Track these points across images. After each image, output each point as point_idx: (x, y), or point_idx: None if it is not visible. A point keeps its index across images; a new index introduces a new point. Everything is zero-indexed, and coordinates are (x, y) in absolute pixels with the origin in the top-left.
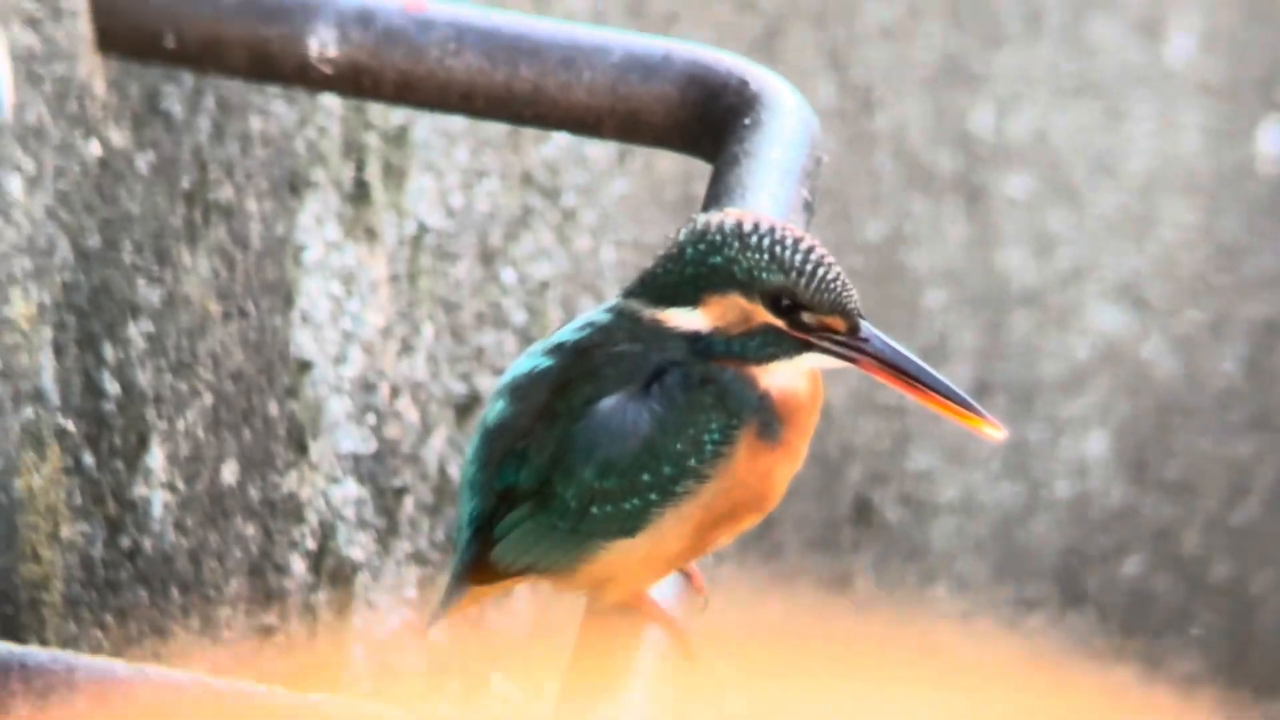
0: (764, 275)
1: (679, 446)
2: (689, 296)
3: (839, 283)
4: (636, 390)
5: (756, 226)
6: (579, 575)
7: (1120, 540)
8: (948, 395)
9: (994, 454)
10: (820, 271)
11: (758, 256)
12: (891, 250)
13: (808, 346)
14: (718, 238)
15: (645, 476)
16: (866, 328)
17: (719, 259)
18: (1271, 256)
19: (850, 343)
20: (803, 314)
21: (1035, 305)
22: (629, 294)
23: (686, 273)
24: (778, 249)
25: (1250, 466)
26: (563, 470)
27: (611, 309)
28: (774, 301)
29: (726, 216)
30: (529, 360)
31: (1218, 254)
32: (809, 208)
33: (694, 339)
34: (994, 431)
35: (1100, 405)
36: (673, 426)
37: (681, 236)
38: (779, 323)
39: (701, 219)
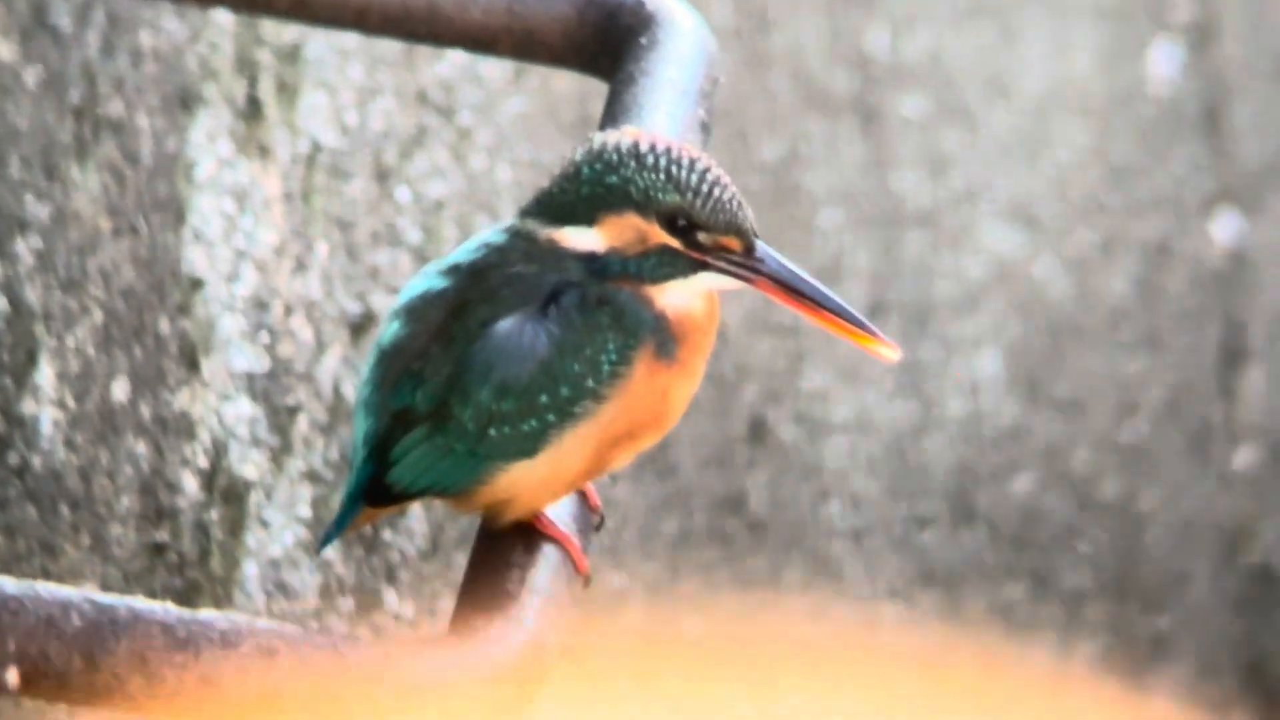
0: (660, 195)
1: (576, 368)
2: (585, 216)
3: (734, 203)
4: (533, 311)
5: (653, 146)
6: (477, 496)
7: (1011, 458)
8: (843, 315)
9: (887, 373)
10: (716, 191)
11: (654, 176)
12: (787, 171)
13: (703, 266)
14: (614, 157)
15: (543, 398)
16: (762, 248)
17: (615, 178)
18: (1162, 177)
19: (746, 263)
20: (698, 234)
21: (929, 225)
22: (525, 214)
23: (583, 192)
24: (674, 169)
25: (1139, 385)
26: (459, 392)
27: (507, 229)
28: (670, 221)
29: (623, 136)
30: (424, 281)
31: (1109, 175)
32: (705, 128)
33: (590, 259)
34: (889, 352)
35: (993, 325)
36: (570, 347)
37: (578, 156)
38: (674, 243)
39: (598, 138)
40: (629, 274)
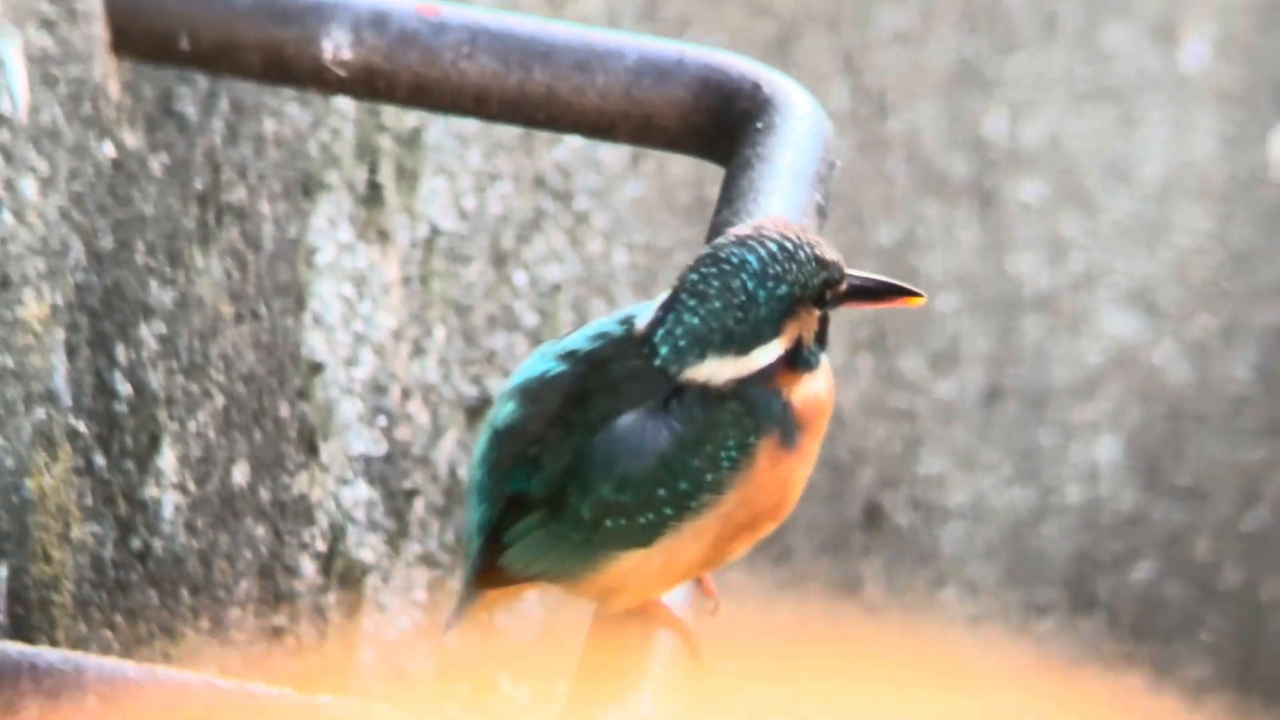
0: (814, 281)
1: (695, 463)
2: (769, 334)
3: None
4: (655, 405)
5: (793, 241)
6: (590, 583)
7: (1131, 545)
8: (895, 292)
9: (1005, 458)
10: (833, 251)
11: (809, 267)
12: (904, 254)
13: (829, 320)
14: (778, 269)
15: (661, 491)
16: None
17: (785, 289)
18: None
19: (844, 294)
20: (828, 293)
21: (1047, 310)
22: (688, 359)
23: (762, 314)
24: (814, 250)
25: (1261, 473)
26: (578, 482)
27: (625, 323)
28: (819, 298)
29: (759, 237)
30: (541, 363)
31: (1230, 260)
32: (822, 212)
33: (778, 362)
34: (916, 300)
35: (1112, 411)
36: (690, 442)
37: (740, 284)
38: (823, 311)
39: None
40: (810, 363)
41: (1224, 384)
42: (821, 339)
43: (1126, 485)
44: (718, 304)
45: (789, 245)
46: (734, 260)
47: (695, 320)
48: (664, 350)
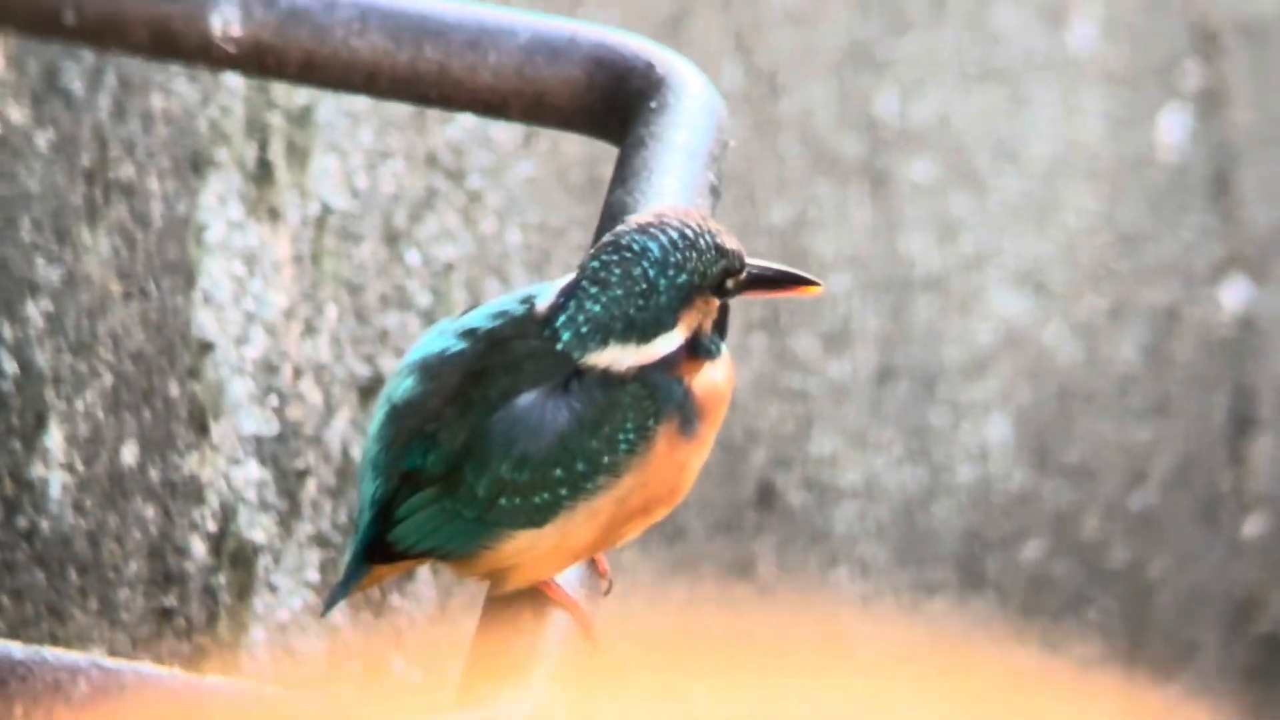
0: (713, 269)
1: (594, 444)
2: (669, 322)
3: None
4: (556, 386)
5: (690, 226)
6: (481, 561)
7: (1020, 524)
8: (793, 281)
9: (896, 438)
10: (734, 240)
11: (709, 255)
12: (796, 234)
13: (728, 310)
14: (678, 257)
15: (558, 472)
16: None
17: (685, 277)
18: (1171, 244)
19: (743, 283)
20: (728, 282)
21: (938, 290)
22: (596, 343)
23: (663, 302)
24: (715, 238)
25: (1149, 452)
26: (475, 460)
27: (525, 302)
28: (719, 287)
29: (660, 224)
30: (440, 339)
31: (1118, 240)
32: (715, 192)
33: (680, 350)
34: (814, 289)
35: (1001, 390)
36: (589, 424)
37: (641, 272)
38: (721, 301)
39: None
40: (710, 351)
41: (1112, 364)
42: (721, 328)
43: (1016, 464)
44: (619, 292)
45: (690, 233)
46: (635, 248)
47: (597, 308)
48: (566, 335)
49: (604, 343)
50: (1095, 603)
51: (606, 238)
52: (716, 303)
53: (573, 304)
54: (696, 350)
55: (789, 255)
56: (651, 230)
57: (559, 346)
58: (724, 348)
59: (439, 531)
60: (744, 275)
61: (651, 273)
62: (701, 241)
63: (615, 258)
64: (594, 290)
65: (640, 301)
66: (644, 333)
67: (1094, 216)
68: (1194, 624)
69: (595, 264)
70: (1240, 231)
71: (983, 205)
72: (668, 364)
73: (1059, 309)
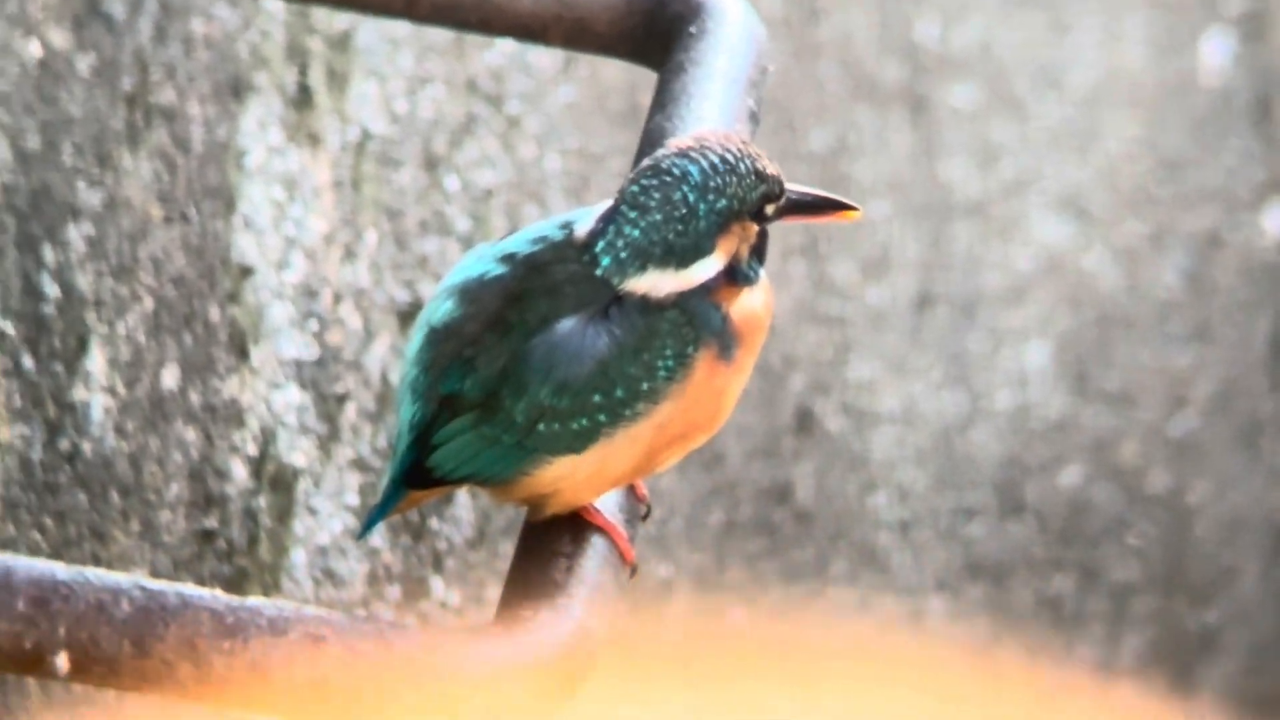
0: (752, 195)
1: (633, 370)
2: (708, 247)
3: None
4: (596, 312)
5: (731, 151)
6: (519, 487)
7: (1059, 450)
8: (832, 206)
9: (935, 364)
10: (774, 165)
11: (748, 180)
12: (835, 161)
13: (767, 236)
14: (718, 181)
15: (597, 397)
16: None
17: (724, 202)
18: (1213, 169)
19: (781, 207)
20: (767, 208)
21: (978, 216)
22: (635, 269)
23: (701, 227)
24: (755, 163)
25: (1189, 378)
26: (513, 385)
27: (564, 228)
28: (758, 213)
29: (702, 148)
30: (479, 264)
31: (1160, 166)
32: (754, 118)
33: (719, 275)
34: (853, 214)
35: (1041, 316)
36: (629, 350)
37: (681, 196)
38: (759, 225)
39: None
40: (749, 278)
41: (1152, 289)
42: (760, 253)
43: (1055, 390)
44: (658, 216)
45: (730, 158)
46: (675, 172)
47: (636, 232)
48: (605, 261)
49: (643, 268)
50: (1134, 528)
51: (646, 162)
52: (755, 228)
53: (612, 229)
54: (735, 276)
55: (828, 182)
56: (692, 154)
57: (598, 272)
58: (762, 274)
59: (477, 457)
60: (783, 200)
61: (691, 197)
62: (741, 166)
63: (655, 182)
64: (633, 215)
65: (679, 226)
66: (683, 258)
67: (1135, 142)
68: (1233, 550)
69: (635, 188)
70: None
71: (1023, 131)
72: (706, 290)
73: (1099, 235)
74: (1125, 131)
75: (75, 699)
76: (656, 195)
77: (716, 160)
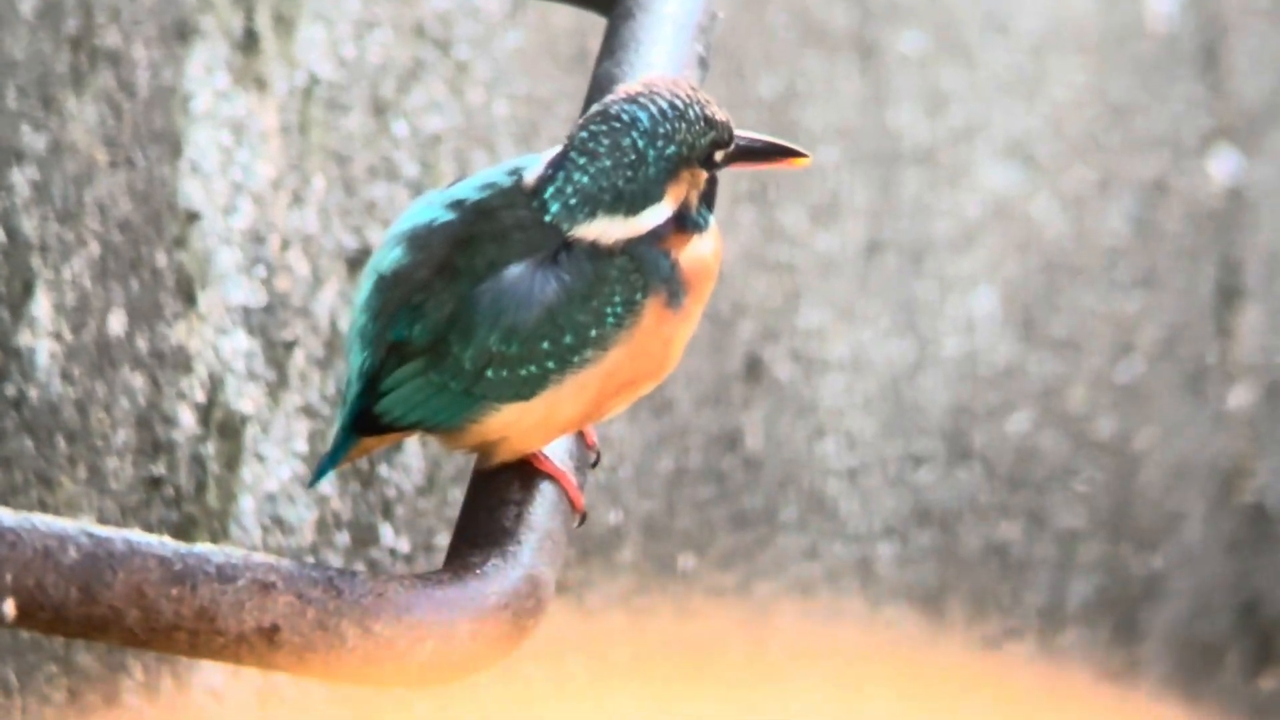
0: (702, 141)
1: (581, 317)
2: (657, 193)
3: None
4: (545, 258)
5: (680, 97)
6: (468, 434)
7: (1007, 397)
8: (781, 153)
9: (883, 311)
10: (724, 112)
11: (697, 126)
12: (785, 107)
13: (716, 182)
14: (667, 127)
15: (545, 344)
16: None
17: (673, 148)
18: (1159, 115)
19: (730, 153)
20: (716, 154)
21: (926, 163)
22: (585, 215)
23: (651, 174)
24: (705, 110)
25: (1136, 324)
26: (460, 331)
27: (513, 174)
28: (706, 158)
29: (651, 93)
30: (428, 210)
31: (1107, 113)
32: (704, 64)
33: (668, 222)
34: (802, 161)
35: (989, 263)
36: (578, 296)
37: (630, 142)
38: (709, 172)
39: (620, 108)
40: (703, 223)
41: (1099, 236)
42: (709, 200)
43: (1002, 337)
44: (607, 162)
45: (679, 104)
46: (624, 118)
47: (585, 179)
48: (554, 207)
49: (592, 214)
50: (1081, 474)
51: (595, 108)
52: (704, 175)
53: (561, 175)
54: (684, 223)
55: (777, 128)
56: (641, 100)
57: (547, 218)
58: (712, 220)
59: (426, 404)
60: (732, 147)
61: (640, 143)
62: (691, 112)
63: (604, 128)
64: (582, 161)
65: (629, 173)
66: (632, 204)
67: (1083, 89)
68: (1179, 495)
69: (584, 134)
70: (1229, 103)
71: (972, 78)
72: (655, 236)
73: (1047, 181)
74: (1073, 78)
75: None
76: (605, 141)
77: (666, 106)
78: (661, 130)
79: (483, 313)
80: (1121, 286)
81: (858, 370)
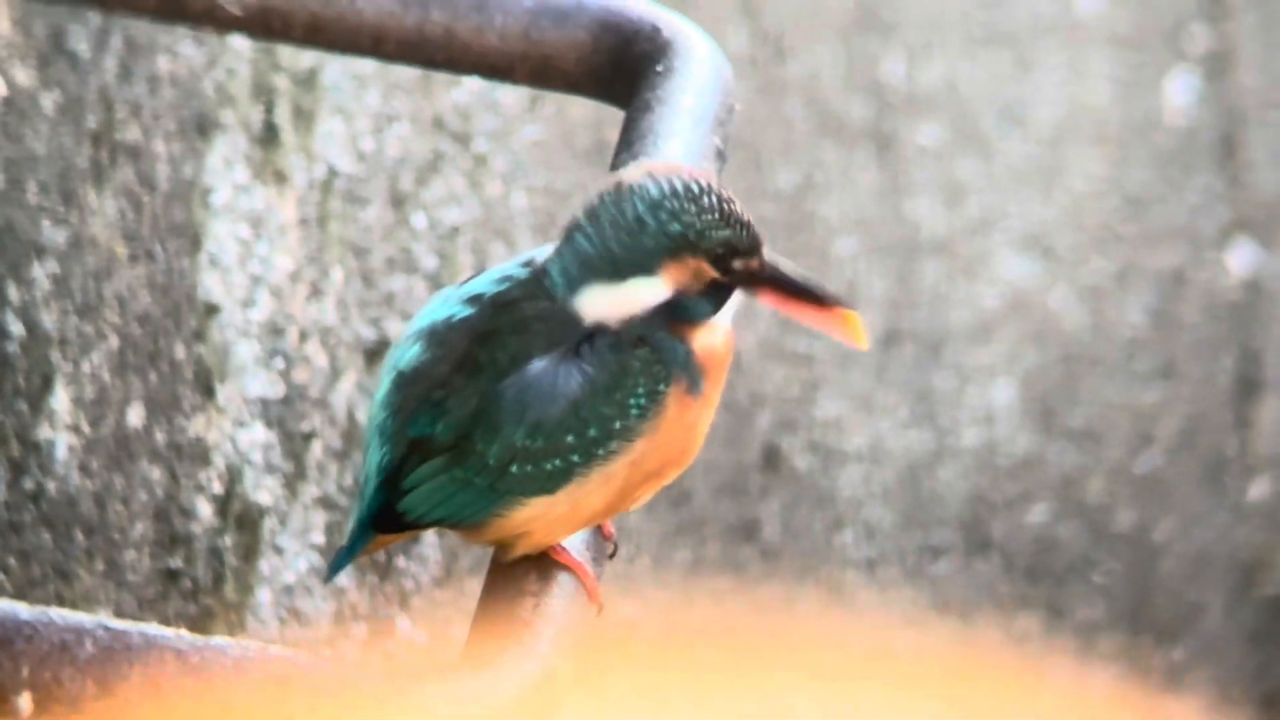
0: (713, 233)
1: (606, 409)
2: (649, 267)
3: (754, 224)
4: (567, 350)
5: (699, 185)
6: (491, 529)
7: (1026, 488)
8: (831, 301)
9: (901, 402)
10: (745, 216)
11: (709, 216)
12: (802, 198)
13: (731, 291)
14: (675, 204)
15: (570, 438)
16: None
17: (678, 226)
18: (1178, 207)
19: (759, 277)
20: (734, 261)
21: (944, 254)
22: (574, 285)
23: (648, 245)
24: (723, 205)
25: (1154, 415)
26: (485, 427)
27: (528, 266)
28: (718, 257)
29: (666, 173)
30: (445, 306)
31: (1125, 204)
32: (721, 155)
33: (663, 307)
34: (858, 339)
35: (1007, 354)
36: (602, 389)
37: (631, 209)
38: (722, 277)
39: (632, 180)
40: (699, 314)
41: (1118, 328)
42: (715, 302)
43: (1021, 428)
44: (608, 228)
45: (695, 188)
46: (634, 188)
47: (585, 243)
48: (557, 277)
49: (586, 281)
50: (1100, 566)
51: (609, 179)
52: (712, 273)
53: (566, 246)
54: (680, 312)
55: (795, 220)
56: (655, 174)
57: (555, 291)
58: (720, 317)
59: (450, 500)
60: (756, 264)
61: (641, 208)
62: (705, 199)
63: (613, 196)
64: (588, 229)
65: (625, 237)
66: (620, 270)
67: (1100, 180)
68: (1199, 587)
69: (594, 202)
70: (1247, 195)
71: (989, 169)
72: (660, 321)
73: (1065, 273)
74: (1090, 169)
75: None
76: (612, 209)
77: (680, 185)
78: (668, 205)
79: (507, 408)
80: (1140, 378)
81: (876, 461)
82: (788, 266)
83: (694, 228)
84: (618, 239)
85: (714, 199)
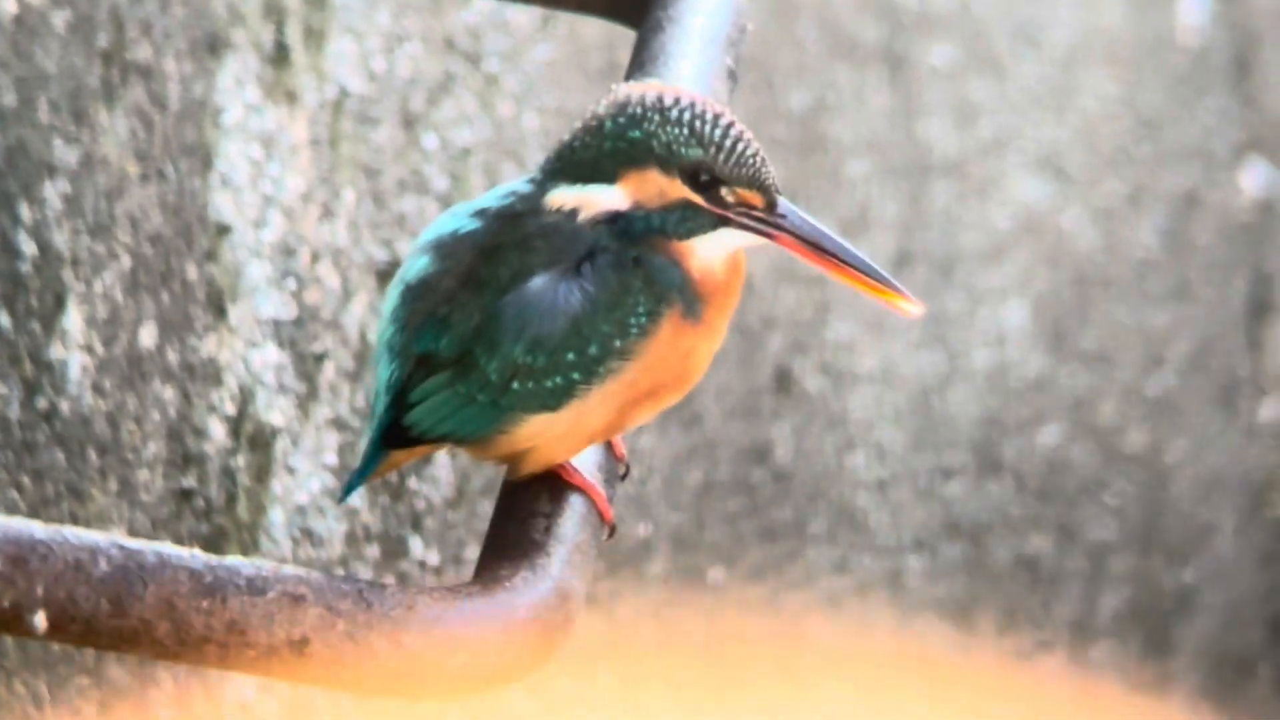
0: (683, 150)
1: (605, 328)
2: (608, 173)
3: (757, 158)
4: (568, 268)
5: (677, 100)
6: (496, 445)
7: (1037, 409)
8: (865, 270)
9: (913, 324)
10: (739, 146)
11: (678, 131)
12: (814, 120)
13: (724, 222)
14: (637, 111)
15: (570, 355)
16: (784, 204)
17: (638, 133)
18: (1190, 128)
19: (767, 218)
20: (721, 189)
21: (956, 175)
22: (548, 175)
23: (605, 148)
24: (697, 123)
25: (1166, 337)
26: (486, 343)
27: (532, 181)
28: (693, 176)
29: (647, 89)
30: (452, 220)
31: (1138, 125)
32: (733, 76)
33: (613, 218)
34: (911, 307)
35: (1019, 275)
36: (602, 307)
37: (600, 110)
38: (697, 198)
39: (622, 91)
40: (651, 229)
41: (1130, 249)
42: (696, 226)
43: (1033, 349)
44: (580, 133)
45: (669, 101)
46: (620, 99)
47: (564, 147)
48: (542, 178)
49: (555, 181)
50: (1111, 487)
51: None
52: (685, 192)
53: (554, 150)
54: (649, 227)
55: (807, 141)
56: (646, 91)
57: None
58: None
59: (454, 416)
60: (763, 204)
61: (603, 112)
62: (677, 113)
63: (603, 108)
64: (573, 133)
65: (586, 138)
66: (580, 174)
67: (1113, 101)
68: (1210, 509)
69: (590, 112)
70: (1260, 115)
71: (1001, 90)
72: (645, 238)
73: (1078, 194)
74: (1103, 90)
75: (54, 659)
76: (590, 117)
77: (653, 97)
78: (630, 111)
79: (508, 325)
80: (1152, 299)
81: (887, 383)
82: (817, 224)
83: (657, 138)
84: (582, 142)
85: (688, 115)
